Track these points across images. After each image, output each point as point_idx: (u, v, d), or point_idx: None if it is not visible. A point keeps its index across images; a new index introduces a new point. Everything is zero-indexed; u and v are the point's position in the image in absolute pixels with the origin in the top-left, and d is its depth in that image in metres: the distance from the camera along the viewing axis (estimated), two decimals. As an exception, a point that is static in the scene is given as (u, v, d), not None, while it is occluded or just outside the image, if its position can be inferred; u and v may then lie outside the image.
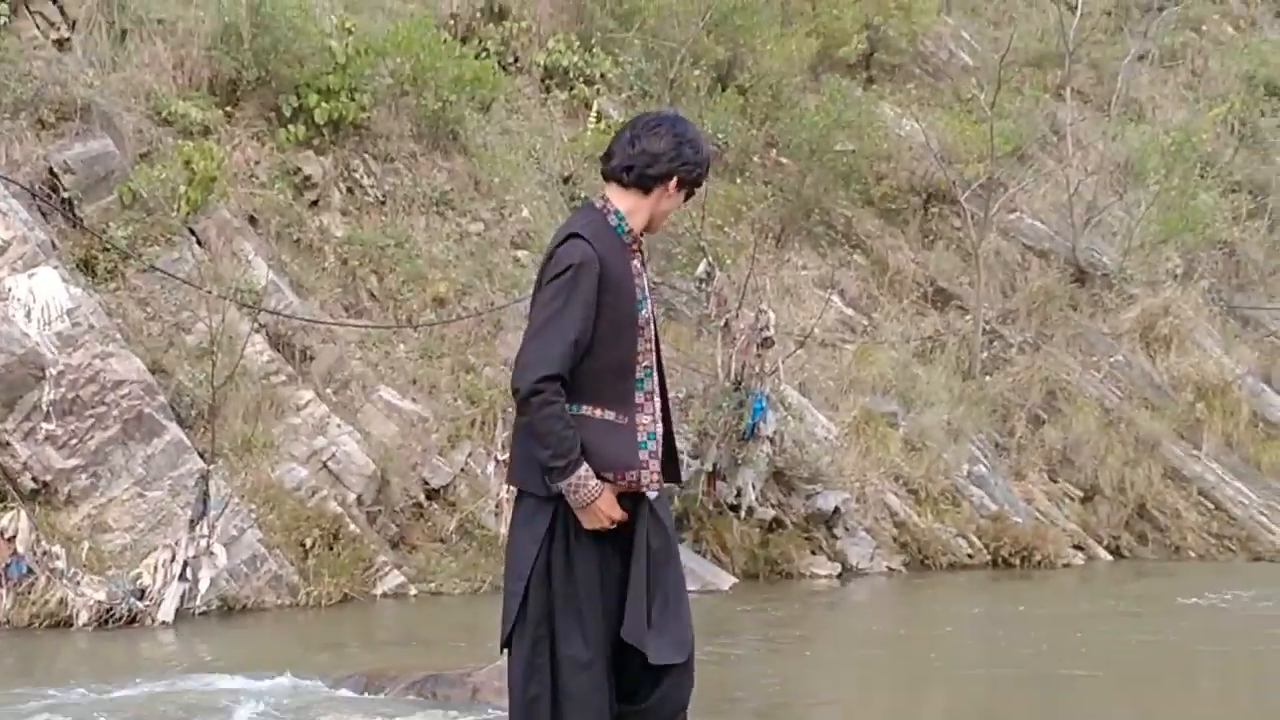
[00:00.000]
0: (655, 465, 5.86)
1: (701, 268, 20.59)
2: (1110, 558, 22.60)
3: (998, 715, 13.10)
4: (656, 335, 5.97)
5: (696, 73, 23.35)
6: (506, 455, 18.56)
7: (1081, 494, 22.96)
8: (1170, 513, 23.35)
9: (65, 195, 17.14)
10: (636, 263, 5.97)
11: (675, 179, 5.97)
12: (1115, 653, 15.24)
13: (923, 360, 22.96)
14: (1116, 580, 21.32)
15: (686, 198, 6.16)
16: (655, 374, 5.95)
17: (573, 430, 5.70)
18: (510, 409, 18.85)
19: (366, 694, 12.11)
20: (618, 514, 5.74)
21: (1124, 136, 26.71)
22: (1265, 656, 15.79)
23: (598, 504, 5.71)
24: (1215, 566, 22.75)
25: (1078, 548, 22.35)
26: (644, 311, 5.92)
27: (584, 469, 5.67)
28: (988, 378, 23.30)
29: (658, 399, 5.94)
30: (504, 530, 18.12)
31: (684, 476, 6.15)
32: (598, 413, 5.77)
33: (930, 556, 21.13)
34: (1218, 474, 23.79)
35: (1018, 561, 21.56)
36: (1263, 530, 23.64)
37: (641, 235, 6.05)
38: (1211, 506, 23.62)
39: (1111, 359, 24.15)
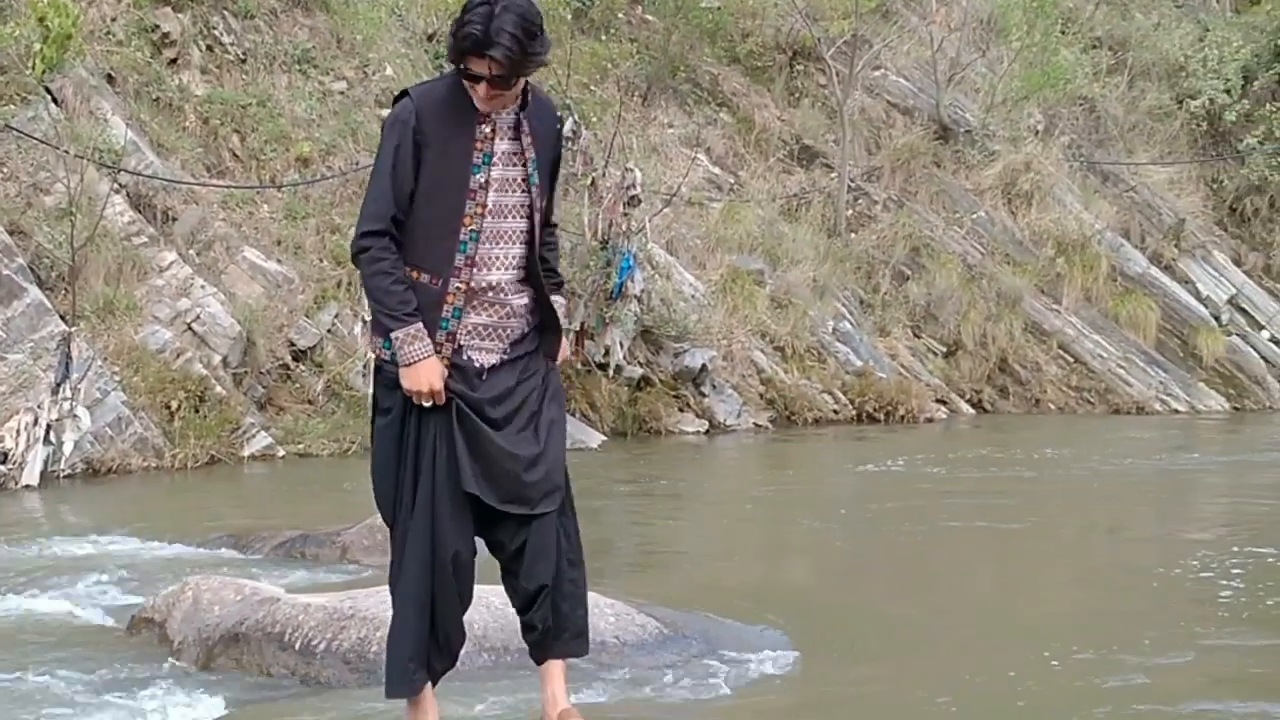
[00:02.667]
0: (449, 347, 5.69)
1: (568, 126, 20.45)
2: (973, 411, 22.93)
3: (855, 557, 13.23)
4: (533, 205, 5.77)
5: (562, -75, 23.17)
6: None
7: (944, 349, 23.26)
8: (1031, 366, 23.73)
9: (-83, 52, 16.82)
10: (486, 127, 5.69)
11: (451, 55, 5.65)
12: (973, 498, 15.49)
13: (789, 218, 23.06)
14: (979, 432, 21.60)
15: (495, 78, 5.57)
16: (498, 243, 5.75)
17: (404, 285, 5.60)
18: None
19: (236, 553, 12.09)
20: (438, 384, 5.59)
21: (987, -9, 26.83)
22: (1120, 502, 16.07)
23: (419, 366, 5.57)
24: (1079, 417, 23.11)
25: (941, 402, 22.67)
26: (478, 175, 5.68)
27: (414, 326, 5.56)
28: (853, 235, 23.48)
29: (499, 272, 5.74)
30: (371, 391, 18.18)
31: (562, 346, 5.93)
32: (413, 274, 5.64)
33: (796, 413, 21.33)
34: (1077, 328, 24.16)
35: (882, 417, 21.81)
36: (1120, 383, 24.04)
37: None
38: (1071, 360, 24.03)
39: (974, 215, 24.37)
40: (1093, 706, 8.60)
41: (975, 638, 10.11)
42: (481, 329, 5.74)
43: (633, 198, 20.02)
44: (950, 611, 11.11)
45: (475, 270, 5.67)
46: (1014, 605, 11.35)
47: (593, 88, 21.91)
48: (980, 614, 10.88)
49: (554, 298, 5.95)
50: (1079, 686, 8.96)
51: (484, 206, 5.66)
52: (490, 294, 5.73)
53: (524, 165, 5.74)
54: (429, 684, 5.95)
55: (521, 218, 5.75)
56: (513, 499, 5.74)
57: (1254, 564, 11.81)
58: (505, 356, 5.78)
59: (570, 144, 20.44)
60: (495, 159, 5.67)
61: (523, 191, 5.74)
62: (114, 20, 18.90)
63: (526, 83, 5.71)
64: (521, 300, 5.82)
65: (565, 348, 6.11)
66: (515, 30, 5.35)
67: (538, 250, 5.85)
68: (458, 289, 5.65)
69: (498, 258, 5.72)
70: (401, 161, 5.60)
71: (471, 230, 5.64)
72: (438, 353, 5.62)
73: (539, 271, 5.85)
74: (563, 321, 6.00)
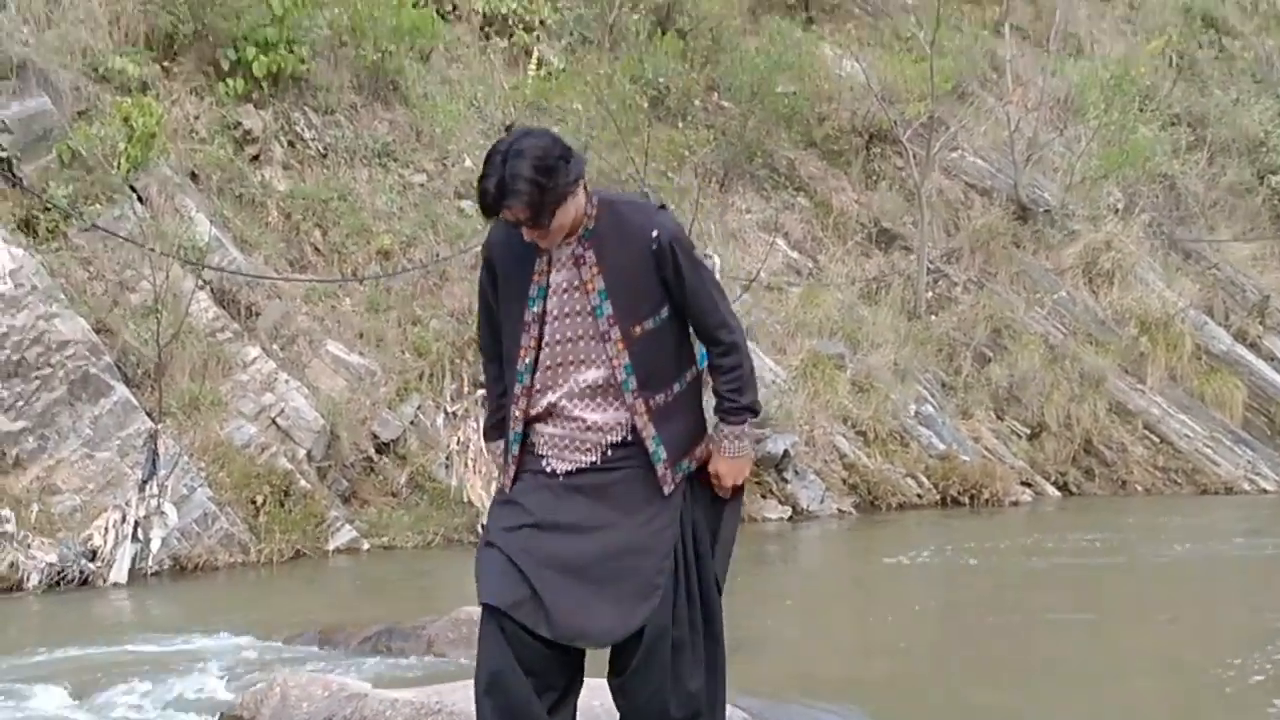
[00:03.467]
0: (512, 471, 5.72)
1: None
2: (1058, 494, 22.79)
3: (941, 644, 13.18)
4: (604, 335, 5.61)
5: (635, 17, 23.38)
6: (455, 407, 18.64)
7: (1028, 431, 23.13)
8: (1116, 447, 23.56)
9: (3, 155, 16.98)
10: (543, 261, 5.65)
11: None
12: (1059, 584, 15.41)
13: (868, 301, 23.06)
14: (1065, 515, 21.46)
15: (524, 221, 5.48)
16: (563, 369, 5.65)
17: (495, 405, 5.82)
18: (457, 360, 18.94)
19: (322, 649, 12.13)
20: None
21: (1063, 71, 26.82)
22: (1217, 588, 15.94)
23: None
24: (1162, 500, 22.93)
25: (1026, 484, 22.53)
26: (533, 308, 5.63)
27: (492, 444, 5.88)
28: (933, 317, 23.43)
29: (550, 396, 5.65)
30: (454, 482, 18.22)
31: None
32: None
33: (880, 497, 21.24)
34: (1162, 408, 24.00)
35: (967, 500, 21.71)
36: (1207, 463, 23.87)
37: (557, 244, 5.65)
38: (1157, 440, 23.84)
39: (1055, 295, 24.29)
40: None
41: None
42: (557, 439, 5.69)
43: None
44: (1042, 697, 11.05)
45: (533, 398, 5.66)
46: (1103, 689, 11.27)
47: (670, 175, 21.99)
48: (1070, 698, 10.81)
49: (721, 426, 5.79)
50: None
51: (538, 339, 5.63)
52: (555, 411, 5.67)
53: (586, 295, 5.60)
54: None
55: (594, 342, 5.61)
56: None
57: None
58: (592, 464, 5.67)
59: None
60: (551, 291, 5.62)
61: (590, 321, 5.62)
62: (197, 119, 19.11)
63: (603, 203, 5.67)
64: (596, 417, 5.65)
65: (726, 473, 5.80)
66: (530, 174, 5.31)
67: (627, 373, 5.61)
68: (517, 416, 5.68)
69: (562, 383, 5.64)
70: (483, 296, 5.80)
71: (527, 362, 5.64)
72: (507, 472, 5.76)
73: (631, 393, 5.62)
74: (724, 445, 5.78)
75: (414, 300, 19.16)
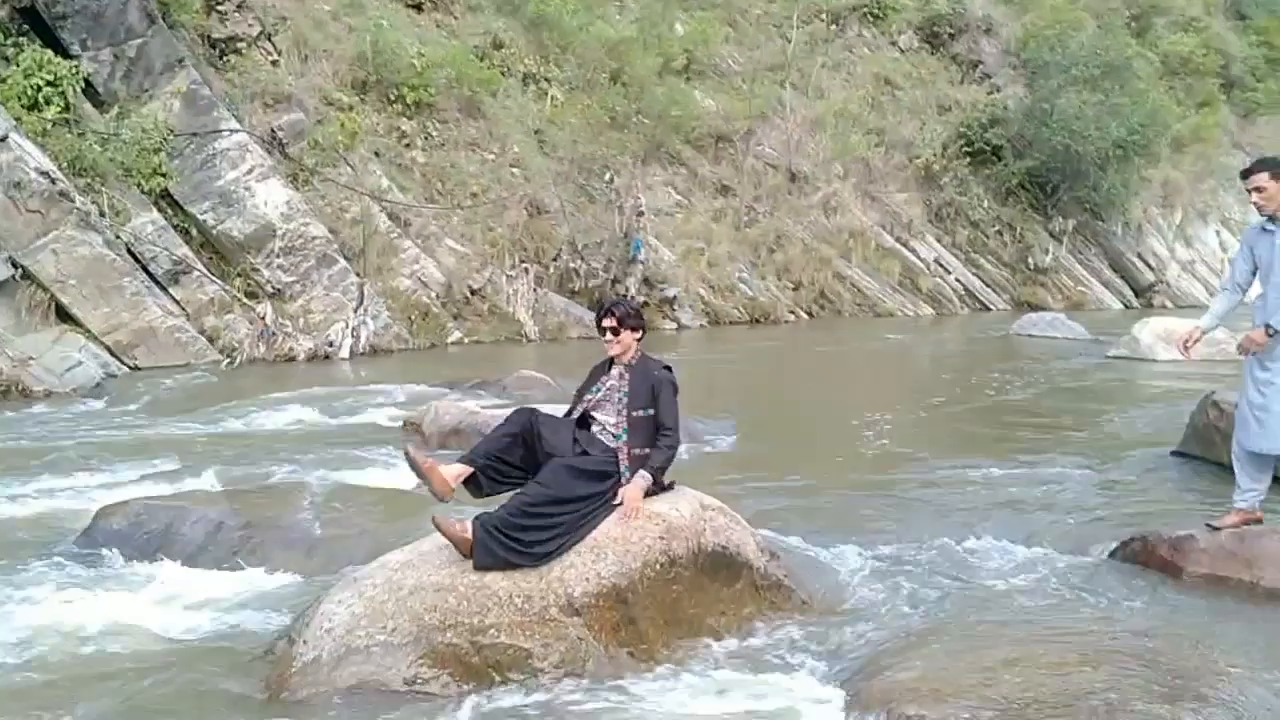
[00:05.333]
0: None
1: (608, 176, 20.43)
2: (808, 317, 22.96)
3: (770, 391, 13.29)
4: (630, 415, 5.14)
5: (602, 75, 22.73)
6: (511, 273, 18.47)
7: (792, 285, 23.22)
8: (835, 294, 23.70)
9: (281, 142, 16.68)
10: (606, 375, 5.27)
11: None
12: (811, 356, 15.58)
13: (716, 221, 22.96)
14: (812, 328, 21.68)
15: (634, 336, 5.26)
16: (601, 424, 5.19)
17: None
18: (514, 250, 18.74)
19: (451, 390, 12.18)
20: None
21: (815, 106, 26.49)
22: (882, 357, 16.14)
23: None
24: (861, 320, 23.18)
25: (791, 313, 22.68)
26: (588, 396, 5.23)
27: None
28: (748, 230, 23.34)
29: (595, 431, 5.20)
30: (510, 309, 18.16)
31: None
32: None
33: (720, 318, 21.36)
34: (860, 274, 24.14)
35: (762, 319, 21.85)
36: (882, 301, 24.08)
37: (620, 362, 5.28)
38: (857, 290, 24.00)
39: (808, 219, 24.25)
40: (897, 466, 8.62)
41: (837, 424, 10.23)
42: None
43: (640, 212, 19.98)
44: (825, 414, 11.21)
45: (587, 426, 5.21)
46: (857, 410, 11.44)
47: (619, 156, 21.68)
48: (838, 412, 10.97)
49: (644, 472, 5.07)
50: (883, 446, 9.03)
51: (591, 405, 5.24)
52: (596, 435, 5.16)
53: (619, 391, 5.24)
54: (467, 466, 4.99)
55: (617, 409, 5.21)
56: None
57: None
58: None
59: (610, 185, 20.33)
60: (612, 393, 5.26)
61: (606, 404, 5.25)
62: (378, 125, 18.74)
63: (642, 355, 5.35)
64: (606, 444, 5.14)
65: (632, 498, 5.00)
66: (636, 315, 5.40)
67: (625, 433, 5.13)
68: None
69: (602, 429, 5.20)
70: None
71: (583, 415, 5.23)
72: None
73: (622, 443, 5.10)
74: (626, 474, 5.06)
75: (489, 219, 18.99)
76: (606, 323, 5.29)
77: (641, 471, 5.08)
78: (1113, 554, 6.14)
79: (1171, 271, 28.85)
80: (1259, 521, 5.95)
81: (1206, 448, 8.09)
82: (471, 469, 4.95)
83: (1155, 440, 9.01)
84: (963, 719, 3.88)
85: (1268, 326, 5.78)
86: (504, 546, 4.70)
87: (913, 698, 4.07)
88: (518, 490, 4.91)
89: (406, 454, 4.96)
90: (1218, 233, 31.36)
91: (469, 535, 4.70)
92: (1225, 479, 6.53)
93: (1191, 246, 30.37)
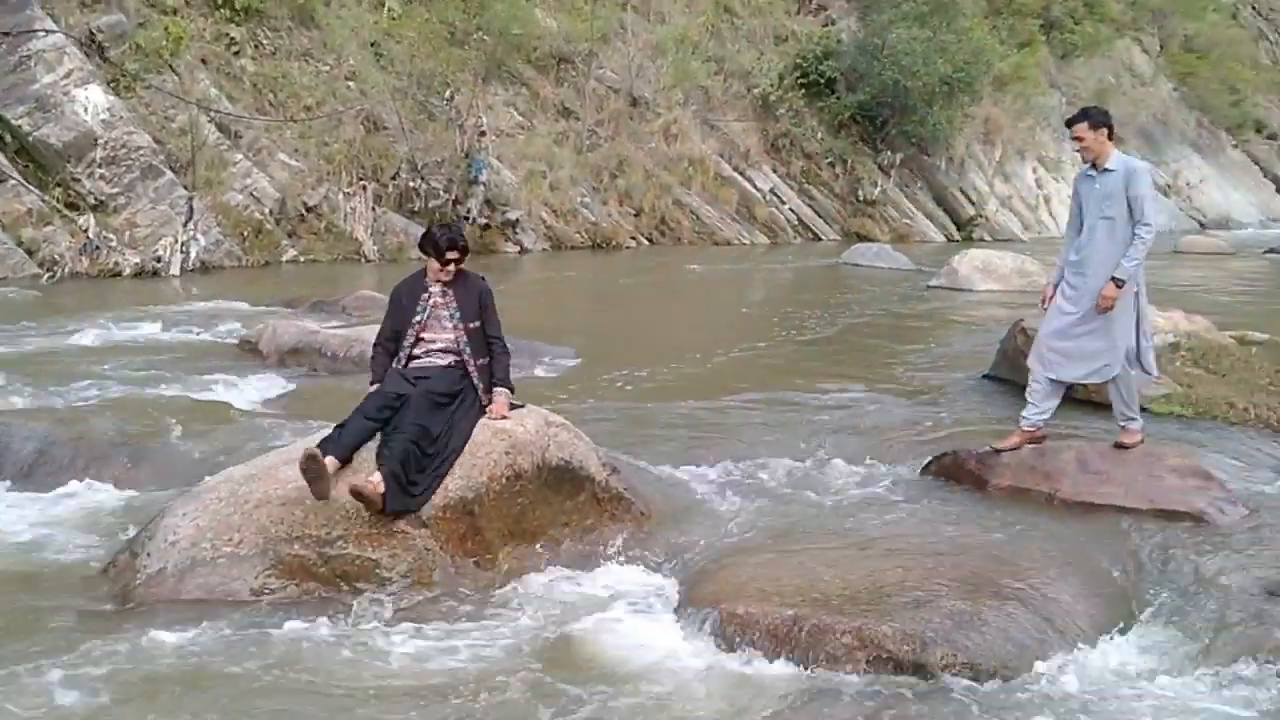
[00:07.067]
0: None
1: (448, 94, 20.10)
2: (649, 243, 23.20)
3: (609, 316, 13.48)
4: (465, 327, 5.34)
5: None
6: (348, 190, 18.07)
7: (634, 212, 23.36)
8: (675, 221, 23.98)
9: (100, 45, 15.77)
10: (427, 291, 5.37)
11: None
12: (647, 282, 15.82)
13: (559, 145, 22.86)
14: (651, 253, 21.95)
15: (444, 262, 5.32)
16: (432, 342, 5.32)
17: (376, 359, 5.40)
18: (349, 167, 18.31)
19: (289, 309, 11.95)
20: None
21: (655, 31, 26.40)
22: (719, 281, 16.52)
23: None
24: (699, 247, 23.57)
25: (633, 239, 22.87)
26: (417, 318, 5.33)
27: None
28: (590, 154, 23.32)
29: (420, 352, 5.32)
30: (347, 228, 17.79)
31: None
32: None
33: (563, 242, 21.40)
34: (699, 201, 24.44)
35: (603, 244, 21.99)
36: (719, 229, 24.48)
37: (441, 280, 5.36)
38: (696, 218, 24.31)
39: (648, 146, 24.36)
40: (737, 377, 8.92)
41: (676, 350, 10.47)
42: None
43: (482, 132, 19.76)
44: (665, 339, 11.43)
45: (415, 348, 5.32)
46: (695, 337, 11.69)
47: (458, 74, 21.28)
48: (677, 338, 11.22)
49: (496, 388, 5.33)
50: (719, 373, 9.33)
51: (419, 329, 5.35)
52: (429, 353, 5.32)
53: (447, 308, 5.39)
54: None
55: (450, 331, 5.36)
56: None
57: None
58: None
59: (450, 103, 19.98)
60: (443, 310, 5.39)
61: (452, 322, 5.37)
62: (205, 30, 17.89)
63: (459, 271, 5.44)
64: (446, 362, 5.31)
65: (498, 408, 5.27)
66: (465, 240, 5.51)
67: (466, 346, 5.33)
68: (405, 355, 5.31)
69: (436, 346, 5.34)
70: (390, 312, 5.54)
71: (412, 339, 5.35)
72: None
73: (467, 356, 5.32)
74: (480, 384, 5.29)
75: (324, 134, 18.45)
76: (452, 255, 5.37)
77: (502, 390, 5.35)
78: (925, 469, 6.61)
79: (990, 206, 30.13)
80: (1042, 439, 6.44)
81: (1015, 371, 8.69)
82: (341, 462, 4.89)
83: (970, 364, 9.60)
84: (785, 615, 4.21)
85: (1114, 279, 6.10)
86: (408, 495, 4.78)
87: (740, 597, 4.38)
88: (395, 431, 4.93)
89: (310, 460, 4.67)
90: (1034, 170, 32.85)
91: (381, 489, 4.73)
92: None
93: (1009, 182, 31.77)
